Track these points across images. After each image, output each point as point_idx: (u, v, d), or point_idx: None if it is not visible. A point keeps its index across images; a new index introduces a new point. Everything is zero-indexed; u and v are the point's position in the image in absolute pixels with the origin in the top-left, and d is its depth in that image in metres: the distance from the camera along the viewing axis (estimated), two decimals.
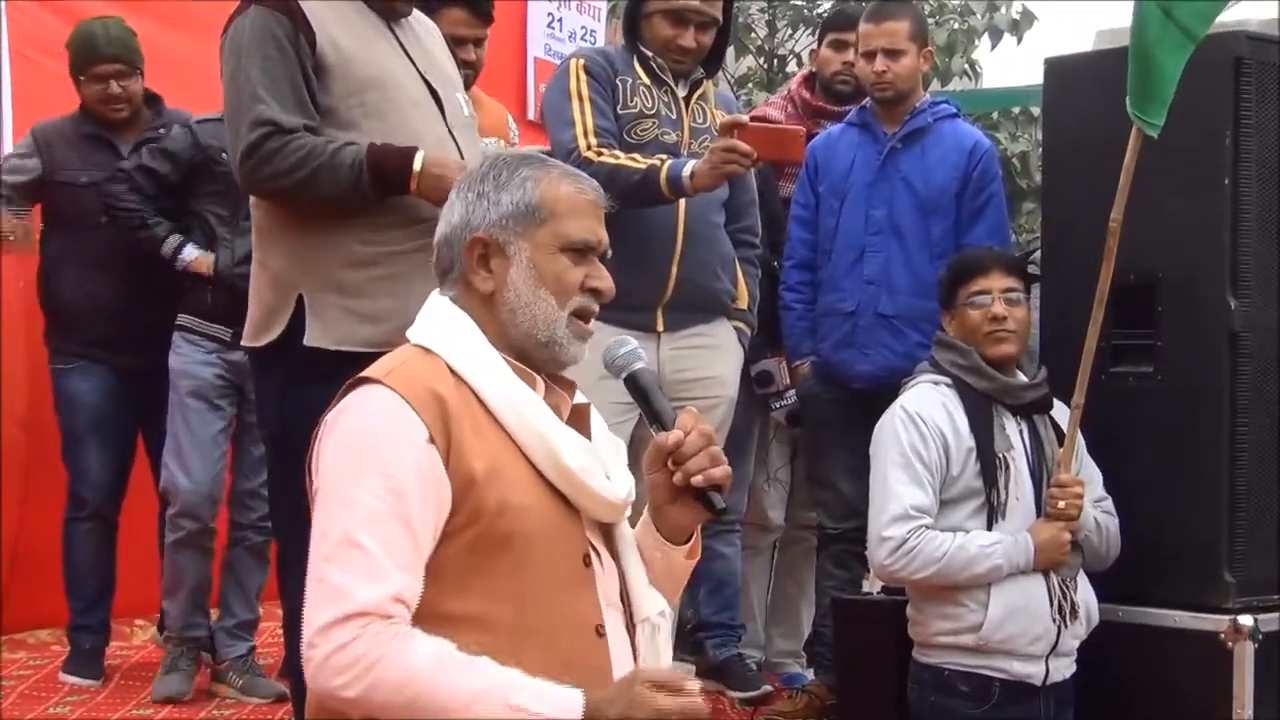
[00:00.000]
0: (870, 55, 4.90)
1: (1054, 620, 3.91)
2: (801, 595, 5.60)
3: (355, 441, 2.29)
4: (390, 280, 3.43)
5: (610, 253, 2.48)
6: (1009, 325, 4.06)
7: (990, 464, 3.94)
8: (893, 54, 4.85)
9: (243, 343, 3.71)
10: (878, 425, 4.08)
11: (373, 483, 2.24)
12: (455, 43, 4.81)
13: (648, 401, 2.45)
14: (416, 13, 3.83)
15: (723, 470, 2.38)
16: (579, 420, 2.46)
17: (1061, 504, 3.90)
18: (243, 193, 3.71)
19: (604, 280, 2.44)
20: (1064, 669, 3.97)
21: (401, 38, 3.66)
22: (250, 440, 5.11)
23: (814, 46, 5.57)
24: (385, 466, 2.24)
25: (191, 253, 4.98)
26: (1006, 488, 3.95)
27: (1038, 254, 5.64)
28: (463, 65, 4.88)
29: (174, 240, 4.99)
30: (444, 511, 2.27)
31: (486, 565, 2.28)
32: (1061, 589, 3.93)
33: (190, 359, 5.00)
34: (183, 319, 5.04)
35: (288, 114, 3.44)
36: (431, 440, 2.26)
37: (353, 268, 3.43)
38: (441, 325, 2.42)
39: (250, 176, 3.51)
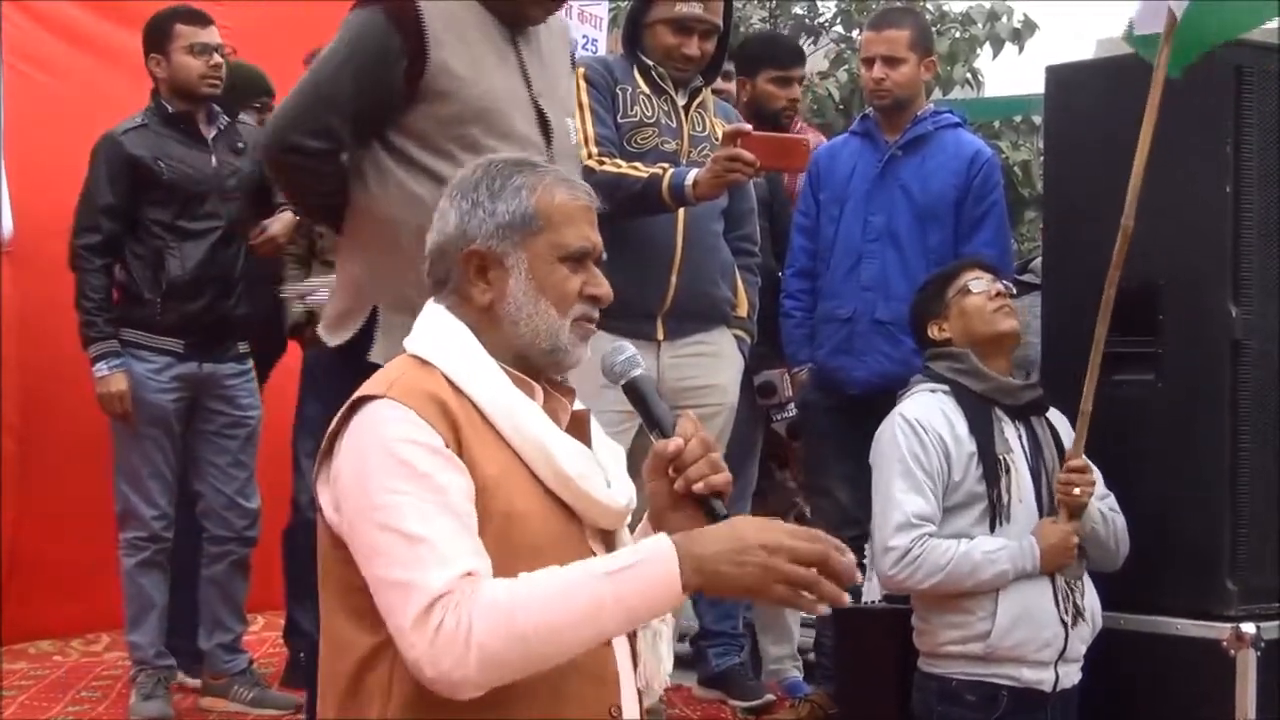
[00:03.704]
0: (870, 62, 4.92)
1: (1061, 623, 3.90)
2: None
3: (378, 457, 2.24)
4: None
5: (605, 255, 2.46)
6: (1009, 303, 4.07)
7: (992, 466, 3.93)
8: (891, 62, 4.87)
9: (319, 331, 3.66)
10: (877, 434, 4.06)
11: (411, 486, 2.20)
12: None
13: (647, 408, 2.43)
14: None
15: (723, 477, 2.35)
16: (579, 427, 2.45)
17: (1077, 490, 3.88)
18: (265, 148, 3.64)
19: (601, 287, 2.42)
20: (1072, 675, 3.95)
21: (525, 58, 3.58)
22: (207, 449, 5.09)
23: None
24: (418, 468, 2.21)
25: (103, 369, 4.89)
26: (1009, 490, 3.93)
27: (1037, 262, 5.66)
28: None
29: (96, 349, 4.90)
30: (474, 506, 2.25)
31: (494, 572, 2.26)
32: (1067, 590, 3.92)
33: (145, 385, 4.94)
34: (129, 334, 4.96)
35: (346, 135, 3.46)
36: (448, 445, 2.25)
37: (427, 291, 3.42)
38: (438, 336, 2.41)
39: (281, 161, 3.54)
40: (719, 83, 5.17)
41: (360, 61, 3.43)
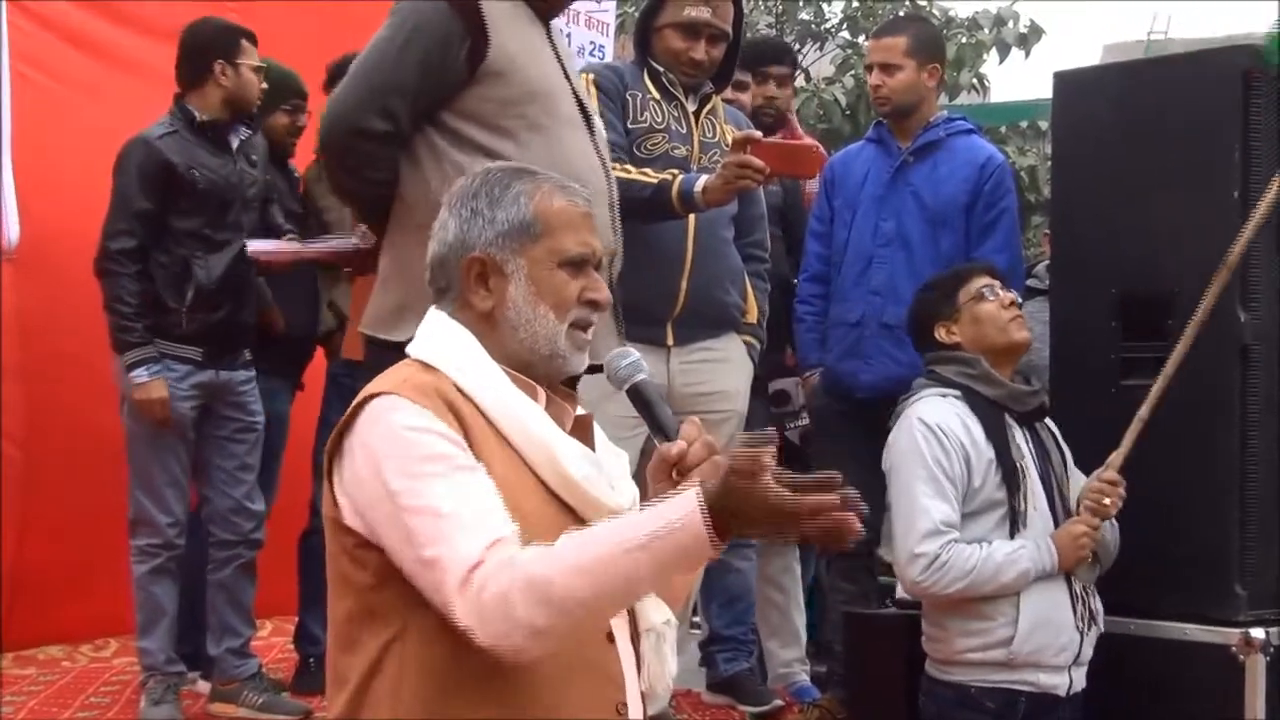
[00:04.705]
0: (870, 70, 4.97)
1: (1077, 628, 3.90)
2: (789, 601, 5.58)
3: (393, 445, 2.26)
4: None
5: (604, 261, 2.48)
6: (1021, 313, 4.08)
7: (1011, 473, 3.93)
8: (888, 69, 4.90)
9: (362, 328, 3.65)
10: (892, 438, 4.05)
11: (430, 466, 2.22)
12: None
13: (651, 413, 2.43)
14: (556, 26, 3.83)
15: None
16: (582, 431, 2.46)
17: (1107, 501, 3.89)
18: (327, 133, 3.67)
19: (600, 291, 2.44)
20: (1081, 679, 3.96)
21: (559, 50, 3.68)
22: (217, 454, 5.08)
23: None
24: (437, 451, 2.23)
25: (142, 376, 4.84)
26: (1025, 496, 3.94)
27: (1040, 267, 5.67)
28: None
29: (133, 355, 4.85)
30: None
31: None
32: (1083, 595, 3.93)
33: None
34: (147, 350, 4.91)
35: (407, 119, 3.51)
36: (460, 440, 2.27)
37: None
38: (442, 341, 2.43)
39: (344, 146, 3.58)
40: (731, 93, 5.20)
41: (423, 45, 3.49)
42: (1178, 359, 3.89)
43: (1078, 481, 4.06)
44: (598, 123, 3.72)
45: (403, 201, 3.57)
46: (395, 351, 3.46)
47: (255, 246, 4.92)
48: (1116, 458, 3.94)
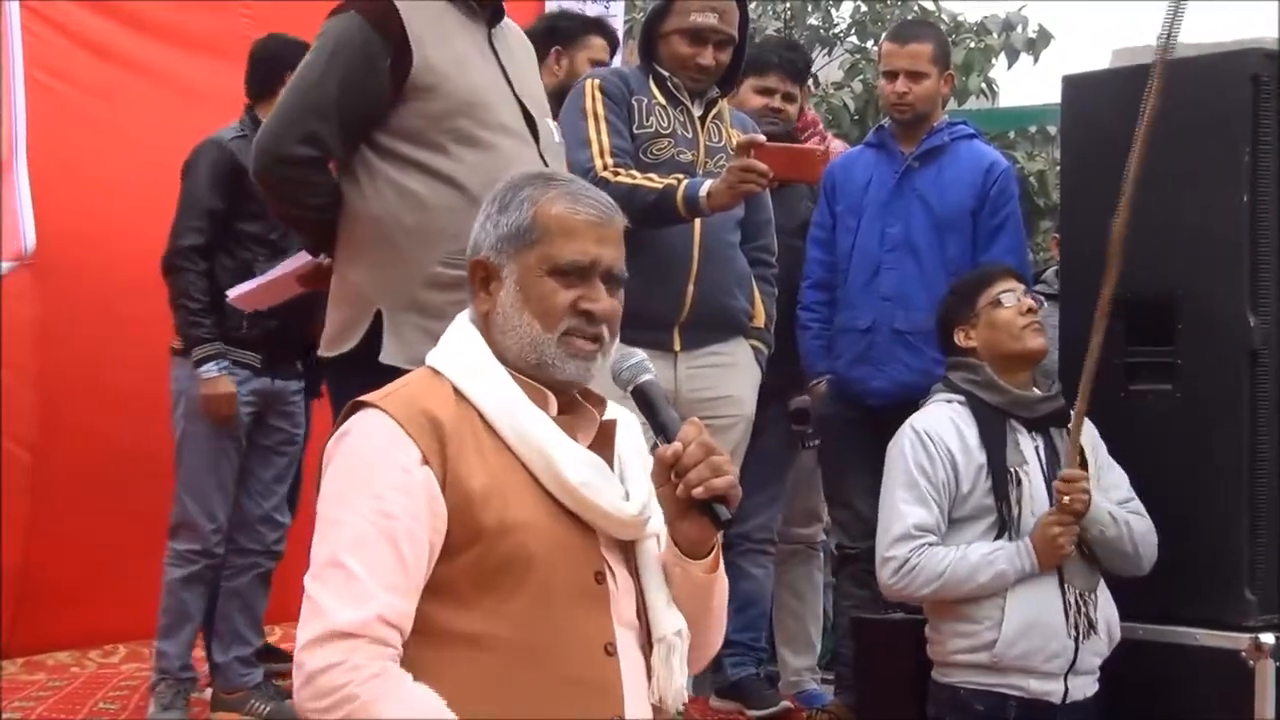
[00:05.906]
0: (892, 75, 4.93)
1: (1070, 636, 3.89)
2: (806, 609, 5.59)
3: (348, 466, 2.30)
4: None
5: (624, 271, 2.45)
6: (1039, 320, 4.07)
7: (1002, 479, 3.93)
8: (915, 76, 4.89)
9: (319, 352, 3.67)
10: (890, 444, 4.07)
11: (362, 505, 2.25)
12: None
13: (654, 414, 2.42)
14: (515, 28, 3.81)
15: (725, 480, 2.32)
16: (604, 437, 2.45)
17: (1066, 499, 3.88)
18: (255, 161, 3.65)
19: (597, 302, 2.39)
20: (1085, 687, 3.94)
21: (500, 54, 3.63)
22: (260, 463, 5.09)
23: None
24: (376, 489, 2.25)
25: (211, 370, 4.86)
26: (1019, 502, 3.93)
27: (1049, 271, 5.65)
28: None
29: (202, 350, 4.86)
30: (441, 531, 2.27)
31: (489, 583, 2.28)
32: (1079, 603, 3.91)
33: None
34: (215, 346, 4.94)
35: (335, 141, 3.49)
36: (425, 462, 2.26)
37: (434, 289, 3.40)
38: (451, 345, 2.44)
39: (268, 174, 3.56)
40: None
41: (344, 66, 3.47)
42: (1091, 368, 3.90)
43: (1114, 475, 4.06)
44: (545, 128, 3.66)
45: (345, 221, 3.56)
46: (344, 366, 3.53)
47: (233, 294, 4.62)
48: (1070, 455, 3.94)
